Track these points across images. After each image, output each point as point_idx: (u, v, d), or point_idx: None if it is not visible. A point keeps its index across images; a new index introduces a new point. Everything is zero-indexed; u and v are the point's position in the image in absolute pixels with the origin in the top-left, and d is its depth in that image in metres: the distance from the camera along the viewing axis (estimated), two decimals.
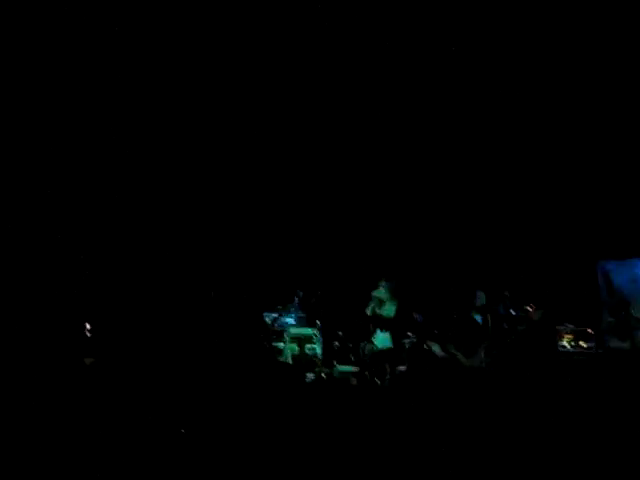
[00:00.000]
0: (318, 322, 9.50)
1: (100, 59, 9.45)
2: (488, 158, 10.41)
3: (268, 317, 9.72)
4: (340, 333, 9.60)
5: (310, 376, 8.67)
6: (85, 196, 10.02)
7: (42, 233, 9.54)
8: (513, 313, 9.42)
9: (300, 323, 9.74)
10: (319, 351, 9.35)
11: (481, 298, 9.29)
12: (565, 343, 9.32)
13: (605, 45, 9.13)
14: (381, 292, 8.40)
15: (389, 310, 8.33)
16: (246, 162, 10.53)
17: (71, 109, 9.67)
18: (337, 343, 9.55)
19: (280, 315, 9.76)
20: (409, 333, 8.84)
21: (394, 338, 8.34)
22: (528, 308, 9.44)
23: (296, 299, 9.84)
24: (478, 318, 9.22)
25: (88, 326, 8.79)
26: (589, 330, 9.24)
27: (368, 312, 8.37)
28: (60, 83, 9.43)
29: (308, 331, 9.54)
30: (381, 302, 8.35)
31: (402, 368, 8.21)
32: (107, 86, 9.66)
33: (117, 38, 9.32)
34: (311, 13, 9.34)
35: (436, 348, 8.62)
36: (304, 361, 9.28)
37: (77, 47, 9.27)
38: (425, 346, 8.79)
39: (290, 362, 9.31)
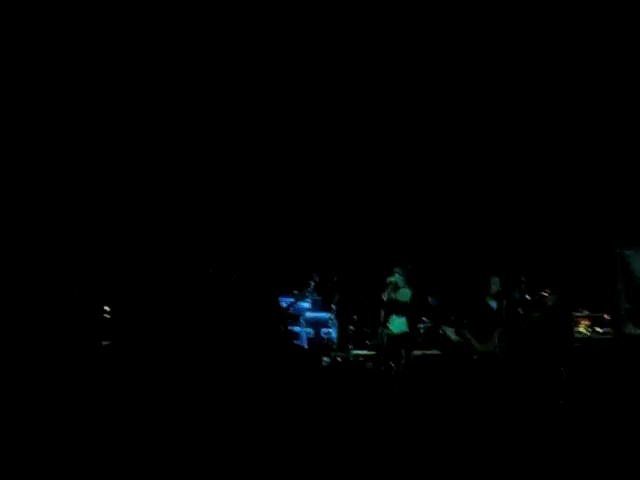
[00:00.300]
0: (334, 306, 9.55)
1: (100, 59, 9.49)
2: (505, 144, 10.35)
3: (284, 301, 9.77)
4: (355, 317, 9.64)
5: (326, 360, 8.73)
6: (101, 182, 10.11)
7: (62, 220, 9.65)
8: (529, 298, 9.39)
9: (316, 307, 9.79)
10: (334, 335, 9.41)
11: (496, 283, 9.25)
12: (582, 329, 9.30)
13: (605, 46, 9.04)
14: (397, 277, 8.41)
15: (404, 295, 8.34)
16: (264, 149, 10.55)
17: (71, 109, 9.74)
18: (352, 327, 9.59)
19: (296, 299, 9.81)
20: (424, 318, 8.87)
21: (410, 323, 8.36)
22: (544, 294, 9.40)
23: (312, 283, 9.87)
24: (493, 303, 9.20)
25: (107, 308, 8.91)
26: (605, 316, 9.22)
27: (384, 297, 8.38)
28: (60, 84, 9.49)
29: (324, 315, 9.59)
30: (397, 287, 8.36)
31: (417, 353, 8.25)
32: (107, 87, 9.71)
33: (117, 38, 9.36)
34: (311, 14, 9.33)
35: (450, 333, 8.64)
36: (320, 345, 9.34)
37: (77, 47, 9.32)
38: (440, 331, 8.82)
39: (306, 346, 9.38)
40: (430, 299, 9.14)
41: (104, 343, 7.51)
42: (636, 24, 8.62)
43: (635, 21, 8.62)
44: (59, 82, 9.39)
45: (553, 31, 9.07)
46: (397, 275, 8.36)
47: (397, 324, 8.27)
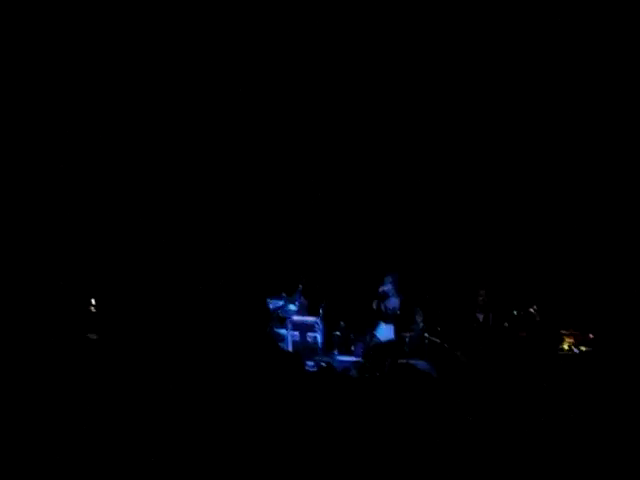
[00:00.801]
0: (321, 311, 9.56)
1: (100, 59, 9.47)
2: (496, 155, 10.41)
3: (272, 303, 9.77)
4: (342, 323, 9.65)
5: (310, 364, 8.73)
6: (92, 180, 10.06)
7: (48, 215, 9.59)
8: (515, 313, 9.45)
9: (303, 311, 9.79)
10: (320, 340, 9.41)
11: (484, 296, 9.32)
12: (565, 346, 9.36)
13: (605, 46, 9.09)
14: (386, 286, 8.46)
15: (393, 304, 8.40)
16: (253, 151, 10.55)
17: (71, 109, 9.71)
18: (338, 333, 9.60)
19: (284, 302, 9.81)
20: (411, 327, 8.90)
21: (397, 331, 8.41)
22: (531, 309, 9.47)
23: (300, 286, 9.88)
24: (480, 316, 9.26)
25: (93, 302, 8.86)
26: (590, 335, 9.28)
27: (373, 305, 8.44)
28: (60, 83, 9.46)
29: (311, 319, 9.59)
30: (385, 295, 8.42)
31: (402, 361, 8.27)
32: (107, 86, 9.69)
33: (117, 38, 9.36)
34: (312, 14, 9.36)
35: (437, 343, 8.69)
36: (304, 349, 9.34)
37: (77, 47, 9.30)
38: (426, 341, 8.86)
39: (290, 349, 9.38)
40: (418, 309, 9.18)
41: (91, 337, 7.47)
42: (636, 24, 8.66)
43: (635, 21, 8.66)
44: (59, 82, 9.37)
45: (553, 31, 9.11)
46: (387, 283, 8.41)
47: (384, 332, 8.32)
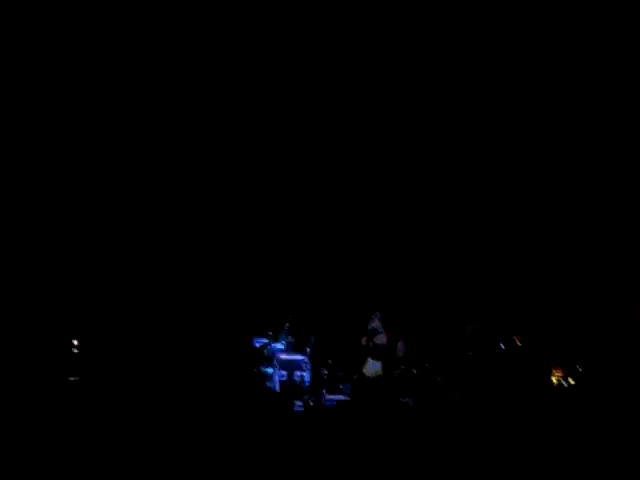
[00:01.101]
0: (308, 349, 9.49)
1: (100, 59, 9.45)
2: (477, 189, 10.48)
3: (258, 342, 9.70)
4: (330, 361, 9.57)
5: (298, 403, 8.62)
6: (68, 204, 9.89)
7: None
8: (502, 347, 9.43)
9: (290, 349, 9.71)
10: (308, 379, 9.32)
11: (469, 331, 9.31)
12: (554, 379, 9.33)
13: (605, 46, 9.14)
14: (374, 322, 8.45)
15: (381, 340, 8.37)
16: (237, 177, 10.49)
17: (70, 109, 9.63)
18: (326, 371, 9.50)
19: (270, 340, 9.74)
20: (400, 364, 8.85)
21: (385, 368, 8.36)
22: (518, 342, 9.45)
23: (287, 325, 9.82)
24: (466, 350, 9.23)
25: (75, 342, 8.71)
26: (579, 368, 9.26)
27: (361, 342, 8.41)
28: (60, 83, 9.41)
29: (298, 358, 9.51)
30: (374, 332, 8.39)
31: (392, 399, 8.19)
32: (107, 86, 9.64)
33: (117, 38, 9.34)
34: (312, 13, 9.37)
35: (423, 379, 8.63)
36: (292, 388, 9.24)
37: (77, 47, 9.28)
38: (413, 377, 8.80)
39: (278, 389, 9.27)
40: (403, 345, 9.13)
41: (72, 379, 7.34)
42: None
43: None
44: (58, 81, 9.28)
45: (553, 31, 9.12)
46: (375, 320, 8.39)
47: (372, 369, 8.25)
